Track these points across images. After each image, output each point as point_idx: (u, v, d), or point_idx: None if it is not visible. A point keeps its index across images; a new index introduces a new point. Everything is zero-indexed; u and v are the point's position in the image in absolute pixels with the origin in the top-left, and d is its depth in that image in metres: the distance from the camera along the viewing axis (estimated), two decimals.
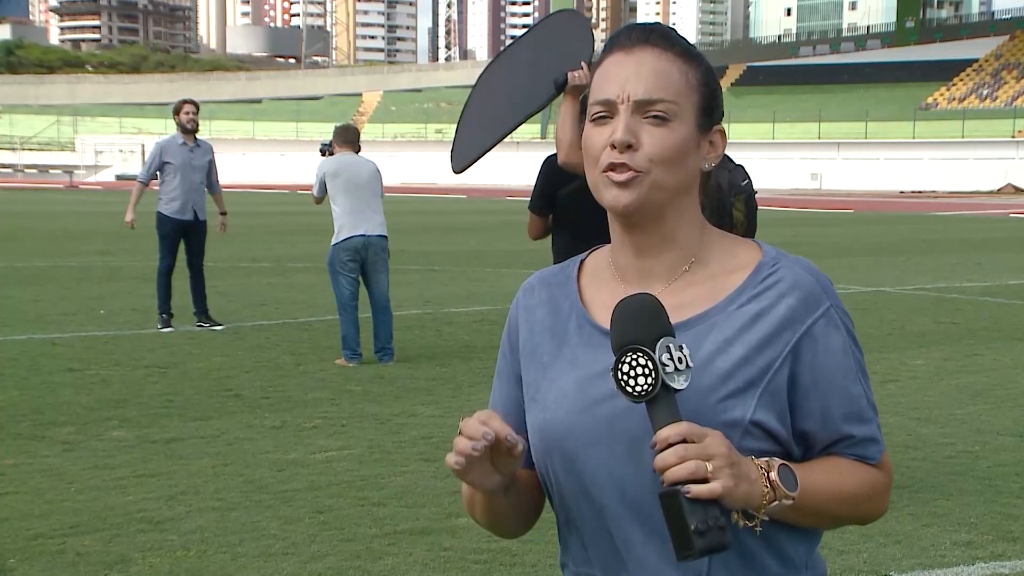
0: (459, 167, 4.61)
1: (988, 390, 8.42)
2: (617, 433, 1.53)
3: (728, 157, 5.38)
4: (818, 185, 65.18)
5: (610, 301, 1.59)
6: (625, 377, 1.41)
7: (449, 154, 4.65)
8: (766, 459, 1.48)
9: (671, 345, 1.42)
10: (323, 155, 10.21)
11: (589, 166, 1.59)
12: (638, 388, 1.41)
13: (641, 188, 1.54)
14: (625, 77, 1.56)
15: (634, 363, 1.41)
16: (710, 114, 1.60)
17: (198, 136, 11.32)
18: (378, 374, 8.98)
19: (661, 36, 1.59)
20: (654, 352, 1.41)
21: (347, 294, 9.36)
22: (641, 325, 1.43)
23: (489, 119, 4.51)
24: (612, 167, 1.54)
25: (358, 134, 9.77)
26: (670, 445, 1.39)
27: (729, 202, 5.15)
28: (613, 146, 1.54)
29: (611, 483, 1.54)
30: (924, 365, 9.47)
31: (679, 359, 1.41)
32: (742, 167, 5.25)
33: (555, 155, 6.20)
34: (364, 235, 9.28)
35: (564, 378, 1.60)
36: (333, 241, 9.36)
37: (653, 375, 1.40)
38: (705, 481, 1.38)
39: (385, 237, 9.45)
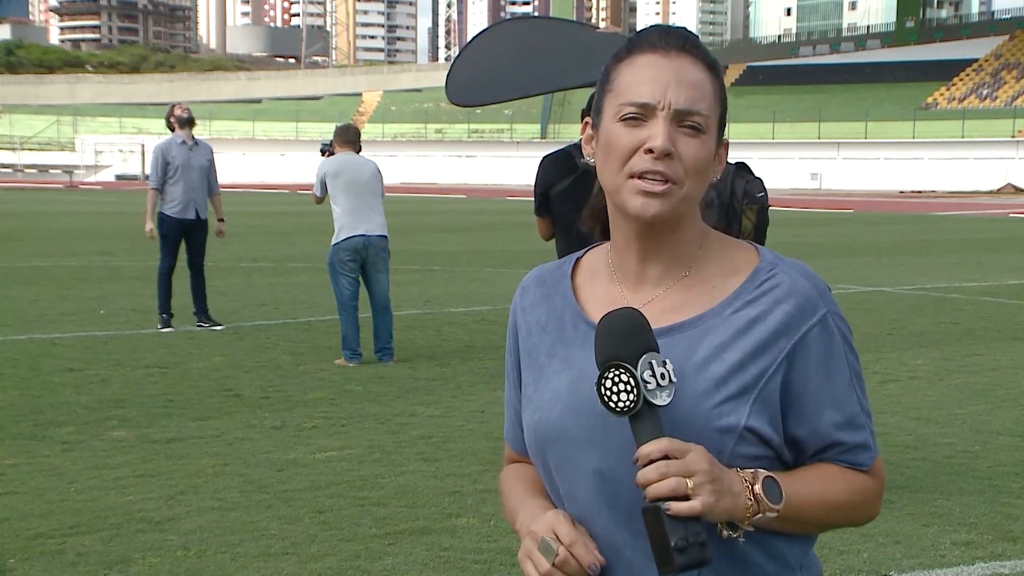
0: (464, 101, 4.52)
1: (988, 390, 8.42)
2: (610, 435, 1.52)
3: (748, 168, 5.46)
4: (818, 185, 65.19)
5: (607, 300, 1.60)
6: (608, 393, 1.43)
7: (447, 78, 4.52)
8: (751, 471, 1.48)
9: (654, 361, 1.42)
10: (323, 155, 10.20)
11: (612, 166, 1.56)
12: (620, 404, 1.42)
13: (672, 200, 1.53)
14: (666, 82, 1.53)
15: (616, 379, 1.42)
16: (722, 129, 1.60)
17: (197, 137, 11.30)
18: (378, 374, 8.98)
19: (694, 45, 1.57)
20: (636, 369, 1.41)
21: (347, 294, 9.36)
22: (623, 341, 1.43)
23: (518, 72, 4.43)
24: (645, 175, 1.52)
25: (359, 134, 9.76)
26: (652, 461, 1.40)
27: (741, 209, 5.20)
28: (648, 151, 1.51)
29: (603, 486, 1.54)
30: (924, 365, 9.47)
31: (662, 375, 1.42)
32: (760, 180, 5.34)
33: (549, 155, 6.30)
34: (364, 235, 9.28)
35: (559, 378, 1.60)
36: (333, 241, 9.36)
37: (635, 392, 1.41)
38: (686, 498, 1.39)
39: (385, 237, 9.46)
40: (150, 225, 11.06)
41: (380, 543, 4.96)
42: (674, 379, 1.43)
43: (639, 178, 1.53)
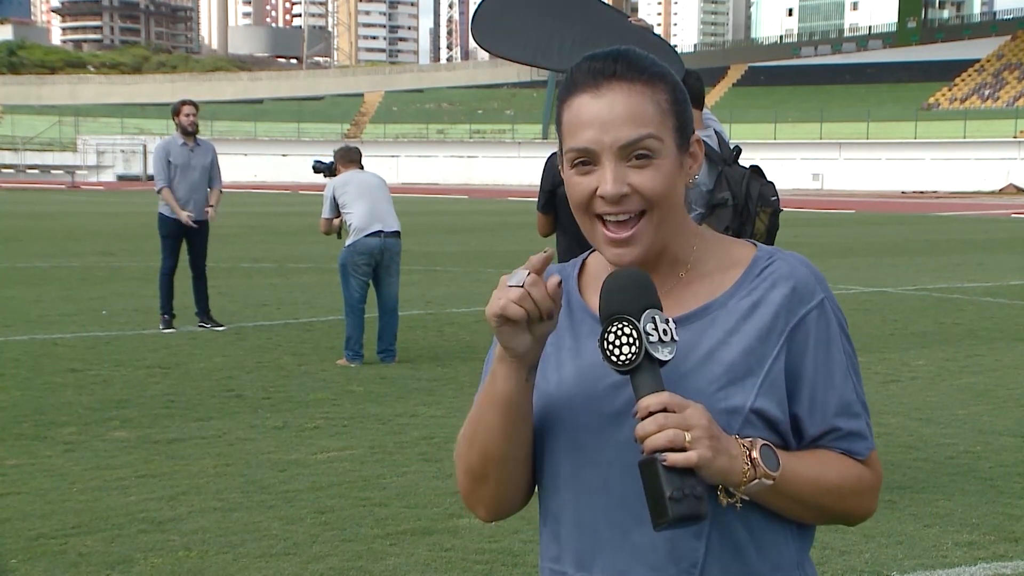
0: (488, 45, 4.48)
1: (990, 390, 8.41)
2: (619, 419, 1.54)
3: (762, 172, 5.50)
4: (820, 185, 65.19)
5: None
6: (610, 347, 1.44)
7: (475, 12, 4.48)
8: (750, 439, 1.49)
9: (656, 316, 1.44)
10: (315, 171, 10.22)
11: (578, 211, 1.57)
12: (622, 357, 1.43)
13: (646, 239, 1.54)
14: (601, 122, 1.52)
15: (619, 332, 1.43)
16: (685, 130, 1.58)
17: (200, 136, 11.31)
18: (380, 374, 8.98)
19: (626, 67, 1.54)
20: (639, 322, 1.42)
21: (356, 296, 9.38)
22: (628, 296, 1.45)
23: (548, 38, 4.39)
24: (607, 221, 1.53)
25: (360, 153, 9.87)
26: (651, 414, 1.41)
27: (755, 211, 5.27)
28: (602, 198, 1.52)
29: (610, 469, 1.55)
30: (926, 365, 9.46)
31: (664, 331, 1.43)
32: (773, 184, 5.40)
33: (556, 153, 6.35)
34: (381, 232, 9.31)
35: (566, 367, 1.61)
36: (348, 242, 9.38)
37: (637, 344, 1.42)
38: (683, 451, 1.39)
39: (399, 234, 9.49)
40: (185, 214, 10.93)
41: (382, 543, 4.96)
42: (676, 338, 1.44)
43: (604, 225, 1.54)
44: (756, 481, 1.47)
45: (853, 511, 1.61)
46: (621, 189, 1.51)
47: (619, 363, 1.43)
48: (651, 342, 1.42)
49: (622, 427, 1.53)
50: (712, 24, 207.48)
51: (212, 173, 11.22)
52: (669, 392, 1.43)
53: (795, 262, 1.60)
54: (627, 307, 1.44)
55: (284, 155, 74.88)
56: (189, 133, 11.05)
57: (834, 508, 1.58)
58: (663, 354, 1.43)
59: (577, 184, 1.55)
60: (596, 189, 1.53)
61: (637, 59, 1.55)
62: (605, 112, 1.52)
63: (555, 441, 1.60)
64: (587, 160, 1.53)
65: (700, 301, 1.59)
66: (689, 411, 1.42)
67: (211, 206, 11.30)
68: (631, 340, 1.42)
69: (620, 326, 1.43)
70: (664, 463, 1.38)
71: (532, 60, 4.51)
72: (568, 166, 1.56)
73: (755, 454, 1.47)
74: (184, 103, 11.22)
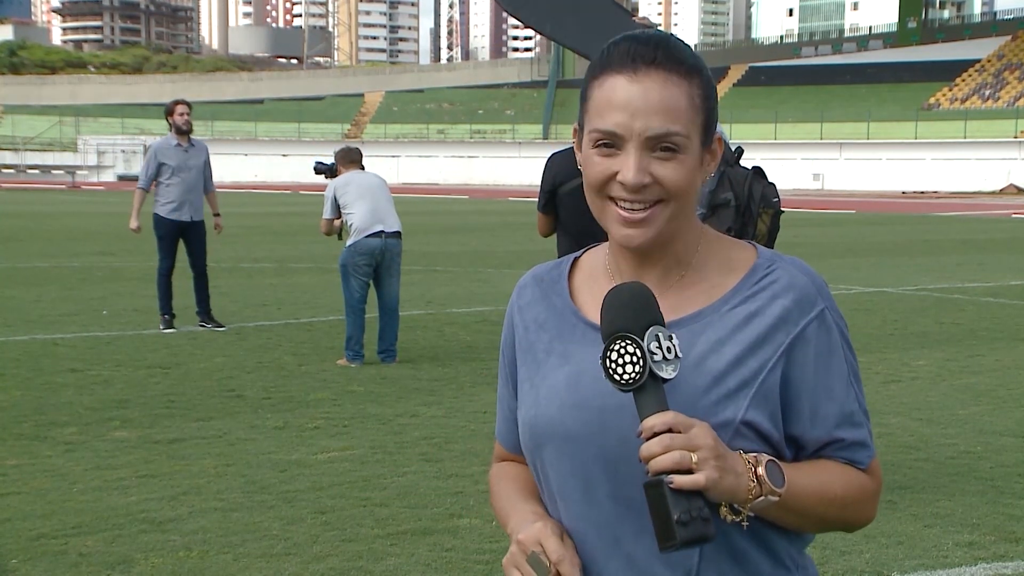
0: (506, 3, 4.50)
1: (990, 391, 8.41)
2: (609, 429, 1.52)
3: (763, 172, 5.52)
4: (820, 185, 65.16)
5: None
6: (613, 365, 1.41)
7: None
8: (754, 454, 1.47)
9: (660, 334, 1.42)
10: (317, 173, 10.23)
11: (591, 190, 1.55)
12: (626, 376, 1.41)
13: (657, 223, 1.52)
14: (633, 108, 1.49)
15: (622, 351, 1.41)
16: (711, 127, 1.57)
17: (193, 136, 11.32)
18: (380, 374, 8.98)
19: (666, 55, 1.51)
20: (643, 340, 1.41)
21: (357, 296, 9.39)
22: (631, 313, 1.43)
23: (565, 15, 4.42)
24: (623, 204, 1.51)
25: (360, 154, 9.88)
26: (656, 434, 1.39)
27: (757, 212, 5.28)
28: (622, 184, 1.50)
29: (602, 480, 1.53)
30: (926, 366, 9.46)
31: (668, 348, 1.41)
32: (775, 185, 5.42)
33: (556, 153, 6.38)
34: (382, 232, 9.31)
35: (556, 374, 1.59)
36: (349, 242, 9.38)
37: (641, 363, 1.40)
38: (689, 472, 1.37)
39: (400, 234, 9.49)
40: (135, 223, 11.31)
41: (382, 544, 4.96)
42: (680, 354, 1.42)
43: (618, 205, 1.52)
44: (762, 498, 1.45)
45: (854, 519, 1.59)
46: (643, 179, 1.49)
47: (622, 382, 1.41)
48: (655, 361, 1.40)
49: (611, 435, 1.52)
50: (712, 24, 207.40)
51: (206, 173, 11.26)
52: (674, 411, 1.41)
53: (795, 271, 1.57)
54: (630, 324, 1.42)
55: (284, 155, 74.85)
56: (183, 132, 11.07)
57: (836, 518, 1.57)
58: (667, 372, 1.41)
59: (597, 164, 1.52)
60: (616, 173, 1.50)
61: (678, 49, 1.53)
62: (639, 99, 1.49)
63: (546, 451, 1.59)
64: (611, 143, 1.51)
65: (695, 306, 1.57)
66: (695, 431, 1.39)
67: (217, 215, 11.44)
68: (635, 359, 1.40)
69: (623, 344, 1.41)
70: (671, 485, 1.36)
71: (548, 31, 4.53)
72: (590, 144, 1.53)
73: (760, 471, 1.45)
74: (177, 102, 11.25)
